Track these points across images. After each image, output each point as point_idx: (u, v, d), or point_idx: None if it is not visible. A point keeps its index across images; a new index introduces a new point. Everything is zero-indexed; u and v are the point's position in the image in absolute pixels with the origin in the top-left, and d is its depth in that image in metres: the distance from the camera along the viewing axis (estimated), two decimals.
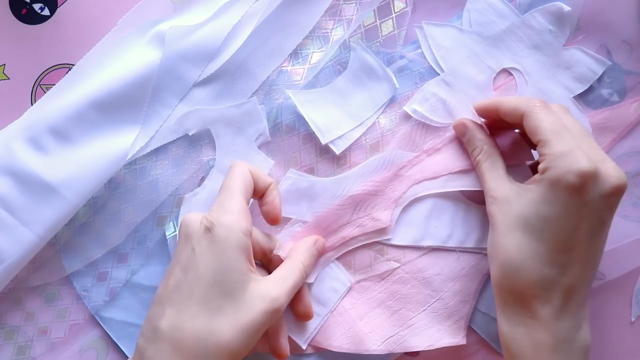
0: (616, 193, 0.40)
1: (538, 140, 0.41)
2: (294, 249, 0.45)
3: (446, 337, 0.48)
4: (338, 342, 0.48)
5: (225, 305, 0.39)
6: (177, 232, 0.48)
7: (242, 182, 0.42)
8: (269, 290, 0.40)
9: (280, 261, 0.45)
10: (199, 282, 0.39)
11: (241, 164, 0.44)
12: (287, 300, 0.41)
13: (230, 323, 0.39)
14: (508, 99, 0.44)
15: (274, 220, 0.44)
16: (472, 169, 0.48)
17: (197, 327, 0.38)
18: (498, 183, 0.43)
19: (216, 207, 0.41)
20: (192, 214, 0.41)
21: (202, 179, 0.49)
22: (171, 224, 0.49)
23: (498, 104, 0.44)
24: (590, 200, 0.39)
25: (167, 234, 0.49)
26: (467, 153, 0.48)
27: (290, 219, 0.48)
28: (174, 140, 0.49)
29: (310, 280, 0.48)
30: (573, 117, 0.43)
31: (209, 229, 0.40)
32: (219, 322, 0.39)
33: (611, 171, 0.40)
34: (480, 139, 0.45)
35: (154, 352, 0.38)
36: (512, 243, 0.40)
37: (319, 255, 0.47)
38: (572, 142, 0.40)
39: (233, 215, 0.40)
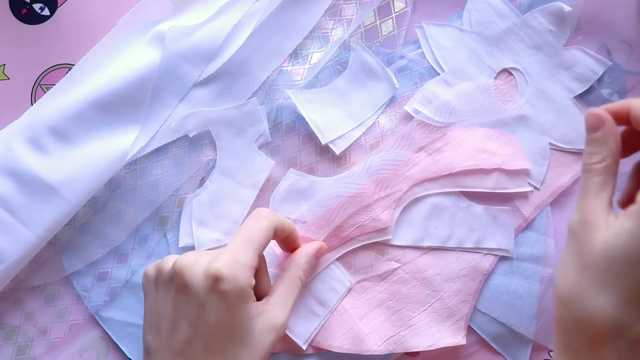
0: None
1: None
2: (294, 260, 0.45)
3: (446, 337, 0.48)
4: (338, 343, 0.48)
5: (241, 350, 0.39)
6: (165, 268, 0.43)
7: (265, 239, 0.41)
8: (274, 320, 0.41)
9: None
10: (213, 338, 0.39)
11: (270, 217, 0.42)
12: (289, 318, 0.42)
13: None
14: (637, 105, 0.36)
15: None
16: (472, 169, 0.48)
17: None
18: (599, 208, 0.35)
19: (227, 253, 0.39)
20: (189, 259, 0.40)
21: (203, 180, 0.49)
22: (170, 228, 0.49)
23: (630, 105, 0.36)
24: None
25: (167, 236, 0.49)
26: (468, 154, 0.48)
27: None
28: (174, 140, 0.49)
29: (308, 280, 0.48)
30: None
31: (217, 282, 0.38)
32: None
33: None
34: (611, 148, 0.36)
35: None
36: (590, 279, 0.34)
37: (318, 258, 0.47)
38: None
39: (243, 271, 0.39)
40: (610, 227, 0.34)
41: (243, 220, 0.48)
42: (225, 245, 0.42)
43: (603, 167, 0.36)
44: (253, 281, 0.40)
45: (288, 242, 0.45)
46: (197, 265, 0.39)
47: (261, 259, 0.43)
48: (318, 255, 0.46)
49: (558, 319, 0.36)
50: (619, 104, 0.37)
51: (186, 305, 0.39)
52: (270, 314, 0.41)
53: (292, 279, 0.44)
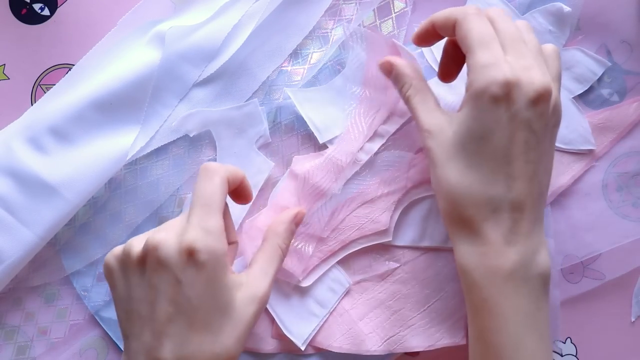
0: (541, 98, 0.38)
1: (465, 52, 0.39)
2: (271, 229, 0.44)
3: (446, 337, 0.48)
4: (338, 343, 0.48)
5: (224, 323, 0.38)
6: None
7: (223, 195, 0.39)
8: (255, 291, 0.40)
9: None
10: (195, 313, 0.37)
11: (220, 170, 0.40)
12: (271, 289, 0.41)
13: (233, 337, 0.38)
14: (441, 11, 0.41)
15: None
16: None
17: (207, 352, 0.37)
18: (430, 115, 0.41)
19: (194, 225, 0.38)
20: (158, 235, 0.38)
21: None
22: None
23: (432, 19, 0.42)
24: (518, 110, 0.37)
25: None
26: None
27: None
28: (174, 140, 0.49)
29: (307, 284, 0.48)
30: (510, 20, 0.40)
31: (192, 255, 0.37)
32: (223, 341, 0.38)
33: (535, 78, 0.37)
34: (408, 74, 0.43)
35: None
36: (452, 172, 0.39)
37: (297, 224, 0.46)
38: (497, 52, 0.38)
39: (215, 238, 0.38)
40: (452, 122, 0.40)
41: (241, 222, 0.48)
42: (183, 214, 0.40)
43: (413, 87, 0.43)
44: (226, 246, 0.38)
45: (239, 192, 0.43)
46: (168, 241, 0.37)
47: (225, 208, 0.42)
48: (297, 221, 0.45)
49: (446, 217, 0.41)
50: (422, 24, 0.43)
51: (164, 283, 0.37)
52: (250, 285, 0.40)
53: (271, 248, 0.43)
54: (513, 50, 0.38)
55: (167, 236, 0.37)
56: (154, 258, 0.37)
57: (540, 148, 0.39)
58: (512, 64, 0.38)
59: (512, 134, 0.38)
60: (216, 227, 0.38)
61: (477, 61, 0.38)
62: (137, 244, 0.39)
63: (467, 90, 0.39)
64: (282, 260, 0.43)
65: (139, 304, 0.38)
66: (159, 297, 0.37)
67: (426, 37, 0.44)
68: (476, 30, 0.39)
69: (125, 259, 0.39)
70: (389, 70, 0.44)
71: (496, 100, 0.37)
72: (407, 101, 0.43)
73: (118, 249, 0.40)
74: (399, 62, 0.44)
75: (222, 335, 0.38)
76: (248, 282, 0.40)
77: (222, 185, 0.39)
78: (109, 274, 0.40)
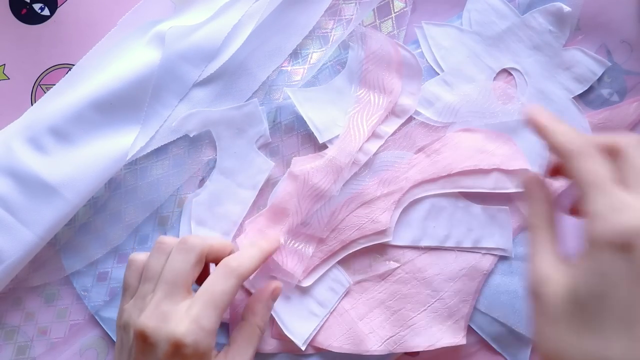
0: None
1: (580, 193, 0.34)
2: (249, 308, 0.43)
3: (446, 337, 0.48)
4: (338, 343, 0.48)
5: None
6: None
7: (230, 299, 0.39)
8: None
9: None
10: None
11: (239, 274, 0.39)
12: None
13: None
14: (558, 130, 0.36)
15: None
16: (471, 170, 0.48)
17: None
18: (549, 260, 0.35)
19: (190, 321, 0.38)
20: (152, 322, 0.38)
21: (203, 180, 0.50)
22: (170, 228, 0.49)
23: (547, 132, 0.36)
24: None
25: None
26: (467, 155, 0.48)
27: (286, 216, 0.48)
28: (174, 140, 0.49)
29: (307, 283, 0.48)
30: None
31: (178, 349, 0.37)
32: None
33: None
34: (545, 199, 0.37)
35: None
36: (566, 331, 0.33)
37: (275, 299, 0.45)
38: (617, 195, 0.32)
39: (207, 339, 0.38)
40: (567, 274, 0.33)
41: (241, 222, 0.48)
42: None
43: (544, 219, 0.36)
44: (214, 344, 0.38)
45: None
46: (159, 329, 0.38)
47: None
48: (274, 297, 0.44)
49: None
50: (540, 122, 0.37)
51: None
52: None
53: (250, 327, 0.42)
54: None
55: (160, 323, 0.38)
56: (142, 341, 0.38)
57: None
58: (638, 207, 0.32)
59: (638, 289, 0.31)
60: (211, 326, 0.38)
61: (597, 207, 0.32)
62: (135, 314, 0.39)
63: (585, 240, 0.33)
64: (260, 338, 0.42)
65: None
66: None
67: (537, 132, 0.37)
68: (592, 172, 0.34)
69: (125, 323, 0.40)
70: (527, 187, 0.38)
71: (620, 250, 0.31)
72: (530, 229, 0.37)
73: (128, 306, 0.41)
74: (541, 184, 0.38)
75: None
76: None
77: (233, 290, 0.39)
78: (118, 325, 0.41)
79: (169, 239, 0.41)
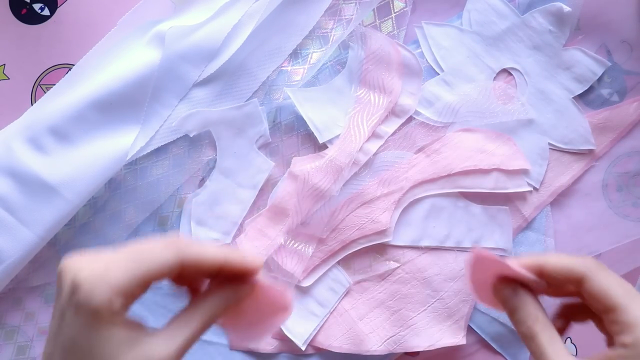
0: None
1: (610, 308, 0.34)
2: (208, 291, 0.34)
3: (446, 337, 0.48)
4: (338, 343, 0.48)
5: None
6: None
7: (158, 269, 0.31)
8: (150, 354, 0.31)
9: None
10: (69, 356, 0.31)
11: (181, 251, 0.31)
12: (177, 357, 0.32)
13: None
14: (555, 259, 0.36)
15: None
16: (471, 170, 0.48)
17: None
18: (562, 354, 0.34)
19: (99, 265, 0.31)
20: (75, 260, 0.31)
21: (203, 180, 0.50)
22: (170, 228, 0.49)
23: (542, 265, 0.36)
24: None
25: None
26: (466, 155, 0.48)
27: (286, 216, 0.48)
28: (174, 140, 0.49)
29: (307, 283, 0.48)
30: None
31: (74, 294, 0.30)
32: None
33: None
34: (535, 306, 0.36)
35: None
36: None
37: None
38: None
39: (104, 293, 0.30)
40: None
41: (241, 222, 0.48)
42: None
43: (541, 323, 0.35)
44: (117, 306, 0.31)
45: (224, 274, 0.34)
46: (72, 268, 0.31)
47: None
48: (239, 294, 0.34)
49: None
50: (529, 262, 0.36)
51: (54, 313, 0.32)
52: (146, 346, 0.32)
53: (196, 310, 0.34)
54: None
55: (79, 262, 0.31)
56: (58, 280, 0.32)
57: None
58: None
59: None
60: (116, 281, 0.30)
61: (635, 315, 0.33)
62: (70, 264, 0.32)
63: (624, 345, 0.33)
64: (202, 329, 0.33)
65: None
66: (50, 325, 0.33)
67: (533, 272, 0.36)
68: (617, 284, 0.35)
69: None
70: (507, 299, 0.36)
71: None
72: (531, 336, 0.35)
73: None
74: (523, 290, 0.36)
75: None
76: (145, 342, 0.32)
77: (166, 260, 0.31)
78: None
79: None
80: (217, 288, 0.34)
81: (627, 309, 0.34)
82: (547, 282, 0.36)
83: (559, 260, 0.35)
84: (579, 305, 0.37)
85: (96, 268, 0.31)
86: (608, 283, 0.34)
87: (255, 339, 0.42)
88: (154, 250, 0.31)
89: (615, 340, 0.34)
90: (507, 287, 0.36)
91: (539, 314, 0.36)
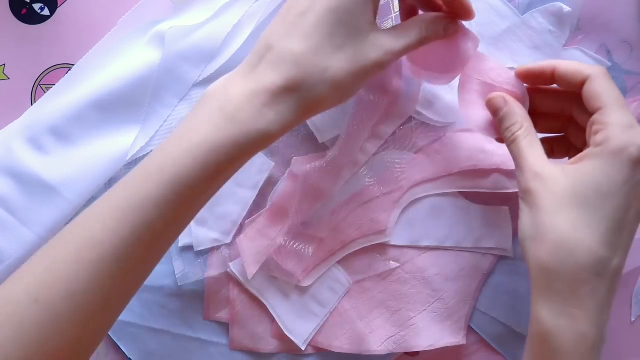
0: None
1: (599, 107, 0.38)
2: (423, 15, 0.42)
3: (446, 336, 0.48)
4: (339, 343, 0.48)
5: (347, 46, 0.38)
6: None
7: None
8: (384, 42, 0.39)
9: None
10: (328, 16, 0.37)
11: None
12: (401, 54, 0.40)
13: (348, 63, 0.38)
14: (568, 62, 0.41)
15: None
16: (471, 170, 0.48)
17: (319, 59, 0.37)
18: (541, 160, 0.39)
19: None
20: None
21: None
22: None
23: (556, 65, 0.41)
24: None
25: None
26: (466, 155, 0.48)
27: (287, 216, 0.48)
28: None
29: (307, 283, 0.48)
30: None
31: None
32: (338, 60, 0.37)
33: None
34: (520, 115, 0.41)
35: (268, 68, 0.37)
36: (565, 221, 0.36)
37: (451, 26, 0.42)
38: (631, 116, 0.38)
39: None
40: (569, 172, 0.37)
41: (241, 222, 0.48)
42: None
43: (524, 130, 0.40)
44: None
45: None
46: None
47: None
48: (447, 32, 0.42)
49: (538, 268, 0.37)
50: (540, 65, 0.41)
51: None
52: (384, 36, 0.39)
53: (414, 23, 0.41)
54: None
55: None
56: None
57: None
58: None
59: (634, 199, 0.37)
60: None
61: (618, 120, 0.37)
62: None
63: (597, 145, 0.37)
64: (417, 40, 0.41)
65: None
66: None
67: (533, 79, 0.43)
68: (614, 90, 0.38)
69: None
70: (500, 107, 0.42)
71: (632, 162, 0.36)
72: (513, 140, 0.41)
73: None
74: (512, 100, 0.42)
75: (339, 54, 0.38)
76: (384, 32, 0.39)
77: None
78: None
79: None
80: (430, 16, 0.41)
81: (609, 110, 0.38)
82: (557, 83, 0.41)
83: (571, 63, 0.40)
84: (562, 139, 0.43)
85: None
86: (606, 87, 0.38)
87: (437, 77, 0.46)
88: None
89: (591, 140, 0.38)
90: (499, 97, 0.42)
91: (524, 122, 0.40)
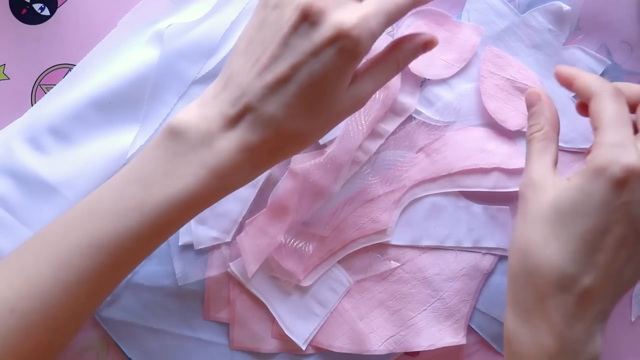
0: None
1: (596, 127, 0.38)
2: (396, 43, 0.41)
3: (446, 336, 0.48)
4: (339, 343, 0.48)
5: (323, 112, 0.38)
6: None
7: (403, 13, 0.38)
8: (359, 92, 0.39)
9: None
10: (307, 89, 0.37)
11: None
12: (371, 96, 0.40)
13: (321, 125, 0.39)
14: (585, 75, 0.40)
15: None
16: (471, 169, 0.48)
17: (296, 126, 0.38)
18: (543, 168, 0.39)
19: (360, 16, 0.37)
20: (329, 6, 0.37)
21: None
22: None
23: (575, 77, 0.40)
24: (630, 202, 0.36)
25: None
26: (467, 154, 0.48)
27: (287, 214, 0.48)
28: None
29: (308, 283, 0.48)
30: None
31: (341, 39, 0.36)
32: (313, 126, 0.39)
33: None
34: (547, 117, 0.41)
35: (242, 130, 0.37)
36: (538, 233, 0.37)
37: (426, 50, 0.42)
38: (627, 134, 0.37)
39: (369, 40, 0.37)
40: (557, 186, 0.37)
41: (241, 222, 0.48)
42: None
43: (542, 134, 0.40)
44: (368, 52, 0.38)
45: None
46: (329, 10, 0.36)
47: None
48: (426, 47, 0.41)
49: (510, 273, 0.39)
50: (567, 71, 0.41)
51: (299, 47, 0.37)
52: (358, 85, 0.39)
53: (389, 57, 0.40)
54: None
55: (328, 5, 0.37)
56: (305, 14, 0.37)
57: (637, 249, 0.37)
58: None
59: (613, 223, 0.36)
60: (377, 30, 0.37)
61: (605, 139, 0.36)
62: None
63: (586, 163, 0.37)
64: (394, 74, 0.41)
65: (262, 51, 0.38)
66: (285, 55, 0.37)
67: (563, 82, 0.42)
68: (610, 110, 0.37)
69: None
70: (533, 103, 0.42)
71: (613, 182, 0.35)
72: (529, 141, 0.41)
73: None
74: (546, 100, 0.41)
75: (315, 120, 0.38)
76: (357, 81, 0.39)
77: (408, 3, 0.38)
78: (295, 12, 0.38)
79: None
80: (402, 42, 0.41)
81: (602, 129, 0.37)
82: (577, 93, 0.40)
83: (586, 77, 0.40)
84: None
85: (357, 19, 0.36)
86: (605, 106, 0.38)
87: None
88: (398, 2, 0.38)
89: (586, 159, 0.37)
90: (534, 93, 0.42)
91: (545, 125, 0.40)
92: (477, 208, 0.48)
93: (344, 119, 0.40)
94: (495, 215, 0.48)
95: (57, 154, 0.47)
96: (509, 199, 0.49)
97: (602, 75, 0.50)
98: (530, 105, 0.42)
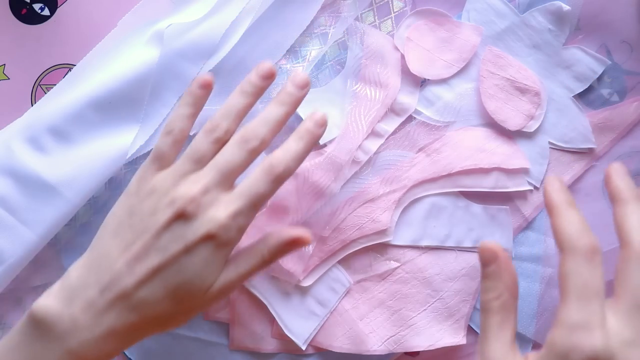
0: None
1: (560, 292, 0.33)
2: (266, 235, 0.40)
3: (446, 336, 0.48)
4: (339, 343, 0.48)
5: (189, 299, 0.39)
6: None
7: (269, 198, 0.40)
8: (222, 282, 0.39)
9: None
10: (178, 289, 0.38)
11: (280, 172, 0.40)
12: (235, 287, 0.40)
13: (186, 316, 0.40)
14: (617, 177, 0.37)
15: None
16: (471, 169, 0.48)
17: (162, 311, 0.38)
18: (503, 348, 0.34)
19: (232, 215, 0.38)
20: (192, 200, 0.38)
21: None
22: None
23: (610, 176, 0.38)
24: None
25: None
26: (466, 154, 0.48)
27: (287, 214, 0.48)
28: None
29: (308, 283, 0.48)
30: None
31: (214, 239, 0.38)
32: (179, 316, 0.40)
33: None
34: (505, 282, 0.35)
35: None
36: None
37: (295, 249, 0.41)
38: (594, 311, 0.32)
39: (238, 236, 0.39)
40: None
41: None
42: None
43: (500, 304, 0.35)
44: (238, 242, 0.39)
45: None
46: (203, 211, 0.38)
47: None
48: (294, 244, 0.40)
49: None
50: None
51: (171, 242, 0.38)
52: (222, 274, 0.39)
53: (254, 250, 0.40)
54: (623, 314, 0.32)
55: (204, 200, 0.38)
56: (177, 215, 0.38)
57: None
58: (610, 335, 0.31)
59: None
60: (245, 226, 0.39)
61: (568, 316, 0.32)
62: (178, 179, 0.39)
63: (546, 341, 0.33)
64: (260, 267, 0.40)
65: (136, 236, 0.39)
66: (157, 246, 0.38)
67: None
68: (578, 276, 0.33)
69: (159, 184, 0.39)
70: (488, 262, 0.36)
71: None
72: (484, 310, 0.36)
73: (169, 171, 0.40)
74: (504, 261, 0.36)
75: (181, 305, 0.39)
76: (225, 269, 0.40)
77: (274, 190, 0.40)
78: (136, 181, 0.40)
79: (225, 124, 0.41)
80: (270, 236, 0.40)
81: (565, 301, 0.33)
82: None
83: (617, 180, 0.37)
84: None
85: (226, 217, 0.38)
86: (575, 269, 0.33)
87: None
88: (265, 194, 0.39)
89: (547, 338, 0.34)
90: (490, 250, 0.36)
91: (504, 293, 0.35)
92: (477, 208, 0.48)
93: (210, 306, 0.42)
94: (495, 215, 0.48)
95: (57, 154, 0.47)
96: (509, 199, 0.49)
97: (602, 75, 0.50)
98: (485, 264, 0.36)
